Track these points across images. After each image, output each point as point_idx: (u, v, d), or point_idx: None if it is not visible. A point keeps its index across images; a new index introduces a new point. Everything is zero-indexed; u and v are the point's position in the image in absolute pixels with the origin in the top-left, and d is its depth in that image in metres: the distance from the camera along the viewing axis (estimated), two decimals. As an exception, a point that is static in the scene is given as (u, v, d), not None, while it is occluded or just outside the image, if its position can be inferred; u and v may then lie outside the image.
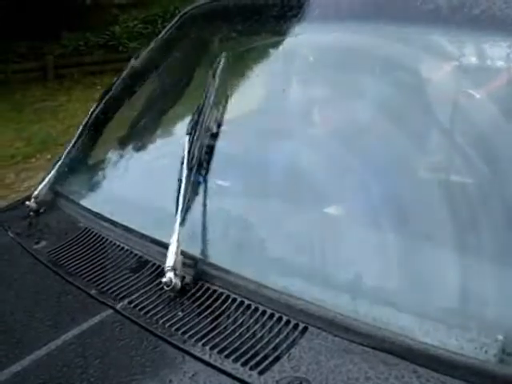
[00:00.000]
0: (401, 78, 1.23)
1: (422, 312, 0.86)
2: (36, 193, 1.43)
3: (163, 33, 1.74)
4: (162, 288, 1.01)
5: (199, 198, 1.13)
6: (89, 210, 1.34)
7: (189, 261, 1.04)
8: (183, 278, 1.01)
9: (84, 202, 1.38)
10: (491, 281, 0.88)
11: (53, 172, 1.48)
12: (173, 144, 1.41)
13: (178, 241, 1.01)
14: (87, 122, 1.55)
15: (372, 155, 1.11)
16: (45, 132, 5.96)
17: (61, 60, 8.27)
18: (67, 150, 1.53)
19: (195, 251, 1.07)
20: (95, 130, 1.55)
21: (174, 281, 0.99)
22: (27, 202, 1.43)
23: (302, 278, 0.97)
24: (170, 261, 1.01)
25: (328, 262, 0.99)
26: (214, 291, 0.99)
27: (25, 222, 1.41)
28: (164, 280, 0.99)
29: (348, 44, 1.28)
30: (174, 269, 1.01)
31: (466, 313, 0.86)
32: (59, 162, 1.51)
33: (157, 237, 1.15)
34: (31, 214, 1.42)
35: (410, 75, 1.22)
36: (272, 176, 1.18)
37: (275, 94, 1.44)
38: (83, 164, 1.59)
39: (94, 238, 1.24)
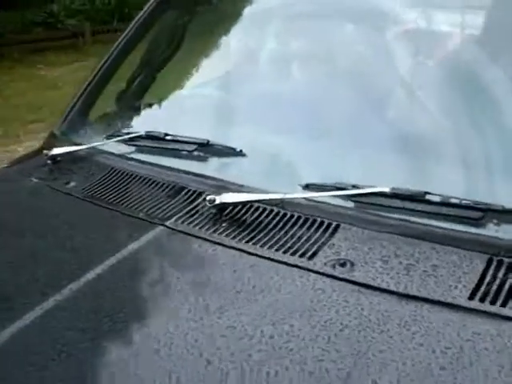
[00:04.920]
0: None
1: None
2: (49, 141, 1.54)
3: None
4: (205, 206, 1.15)
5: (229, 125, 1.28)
6: (108, 152, 1.45)
7: (225, 183, 1.19)
8: (222, 196, 1.15)
9: (101, 146, 1.48)
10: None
11: (63, 121, 1.60)
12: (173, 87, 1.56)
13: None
14: (95, 74, 1.66)
15: None
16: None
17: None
18: (74, 101, 1.64)
19: (231, 174, 1.22)
20: (103, 80, 1.66)
21: (215, 198, 1.13)
22: (45, 151, 1.52)
23: (328, 189, 1.12)
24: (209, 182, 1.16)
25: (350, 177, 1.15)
26: (251, 206, 1.14)
27: (44, 169, 1.50)
28: (208, 198, 1.13)
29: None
30: (213, 189, 1.15)
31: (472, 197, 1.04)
32: (67, 113, 1.63)
33: (184, 168, 1.29)
34: (48, 162, 1.52)
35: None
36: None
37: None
38: (90, 111, 1.70)
39: (123, 175, 1.36)
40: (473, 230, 1.00)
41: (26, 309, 0.97)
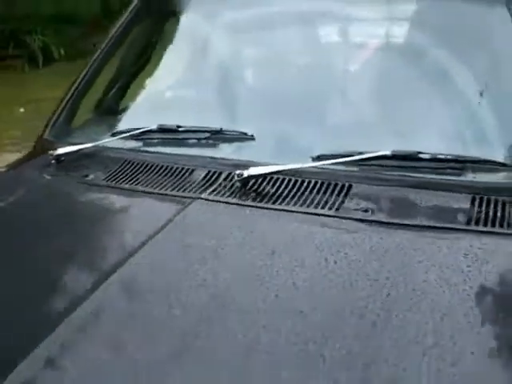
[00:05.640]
0: None
1: None
2: (40, 145, 1.66)
3: None
4: (232, 179, 1.34)
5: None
6: (118, 148, 1.59)
7: (242, 162, 1.39)
8: (249, 170, 1.34)
9: (110, 143, 1.61)
10: None
11: (53, 124, 1.73)
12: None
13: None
14: (82, 78, 1.79)
15: None
16: None
17: None
18: (63, 105, 1.77)
19: (246, 154, 1.42)
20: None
21: (243, 172, 1.33)
22: (49, 151, 1.62)
23: (337, 157, 1.36)
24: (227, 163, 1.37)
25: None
26: (272, 177, 1.35)
27: (53, 168, 1.60)
28: (237, 172, 1.33)
29: None
30: (233, 168, 1.35)
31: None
32: (56, 117, 1.76)
33: (201, 154, 1.48)
34: (53, 162, 1.62)
35: None
36: None
37: None
38: (80, 113, 1.82)
39: (141, 165, 1.50)
40: (457, 177, 1.29)
41: (100, 277, 1.09)
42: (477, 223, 1.18)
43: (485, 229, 1.17)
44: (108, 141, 1.61)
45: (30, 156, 1.81)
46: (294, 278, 1.06)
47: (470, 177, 1.29)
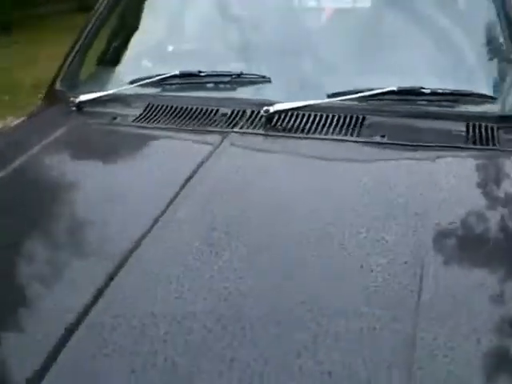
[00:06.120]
0: None
1: None
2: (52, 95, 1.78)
3: None
4: (257, 115, 1.51)
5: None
6: (139, 94, 1.71)
7: (264, 101, 1.56)
8: (274, 106, 1.50)
9: (130, 90, 1.72)
10: None
11: (64, 75, 1.84)
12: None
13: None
14: (88, 30, 1.90)
15: None
16: None
17: None
18: (71, 56, 1.88)
19: (270, 93, 1.59)
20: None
21: (269, 108, 1.49)
22: (71, 98, 1.72)
23: (350, 93, 1.55)
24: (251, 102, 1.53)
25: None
26: (293, 113, 1.52)
27: (74, 116, 1.69)
28: (264, 108, 1.49)
29: None
30: (257, 106, 1.52)
31: None
32: (67, 67, 1.86)
33: (224, 96, 1.63)
34: (73, 109, 1.73)
35: None
36: None
37: None
38: (90, 63, 1.93)
39: (162, 107, 1.62)
40: (454, 108, 1.51)
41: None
42: (471, 143, 1.42)
43: (477, 147, 1.41)
44: (130, 87, 1.72)
45: (43, 107, 1.90)
46: (337, 186, 1.28)
47: (464, 107, 1.52)
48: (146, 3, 2.09)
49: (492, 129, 1.45)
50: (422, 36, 1.66)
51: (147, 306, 0.94)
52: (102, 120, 1.66)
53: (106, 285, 0.97)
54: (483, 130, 1.44)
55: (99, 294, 0.95)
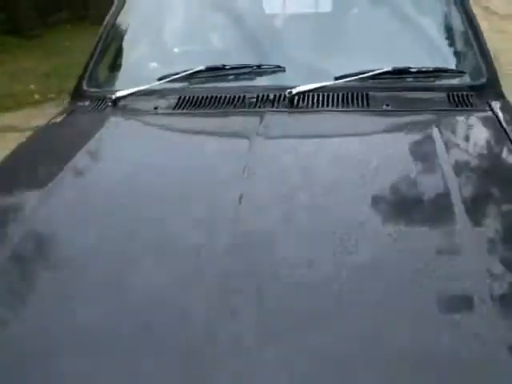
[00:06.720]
0: None
1: None
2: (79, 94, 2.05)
3: None
4: (281, 97, 1.84)
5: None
6: (170, 88, 1.98)
7: (284, 85, 1.89)
8: (297, 88, 1.84)
9: (161, 85, 1.99)
10: None
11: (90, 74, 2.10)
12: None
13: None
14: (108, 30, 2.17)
15: None
16: None
17: None
18: (96, 56, 2.15)
19: (285, 79, 1.92)
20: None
21: (292, 90, 1.83)
22: (108, 95, 1.97)
23: (353, 75, 1.91)
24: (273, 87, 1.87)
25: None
26: (314, 94, 1.86)
27: (111, 111, 1.93)
28: (288, 90, 1.82)
29: None
30: (280, 91, 1.85)
31: None
32: (91, 67, 2.13)
33: (248, 84, 1.95)
34: (109, 104, 1.98)
35: None
36: None
37: None
38: (115, 63, 2.20)
39: (194, 98, 1.91)
40: (435, 82, 1.92)
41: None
42: (453, 106, 1.83)
43: (457, 108, 1.82)
44: (161, 82, 1.99)
45: (74, 107, 2.11)
46: (360, 147, 1.64)
47: (443, 81, 1.93)
48: (165, 5, 2.38)
49: (465, 95, 1.86)
50: (409, 27, 2.09)
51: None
52: (145, 111, 1.92)
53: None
54: (460, 96, 1.85)
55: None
